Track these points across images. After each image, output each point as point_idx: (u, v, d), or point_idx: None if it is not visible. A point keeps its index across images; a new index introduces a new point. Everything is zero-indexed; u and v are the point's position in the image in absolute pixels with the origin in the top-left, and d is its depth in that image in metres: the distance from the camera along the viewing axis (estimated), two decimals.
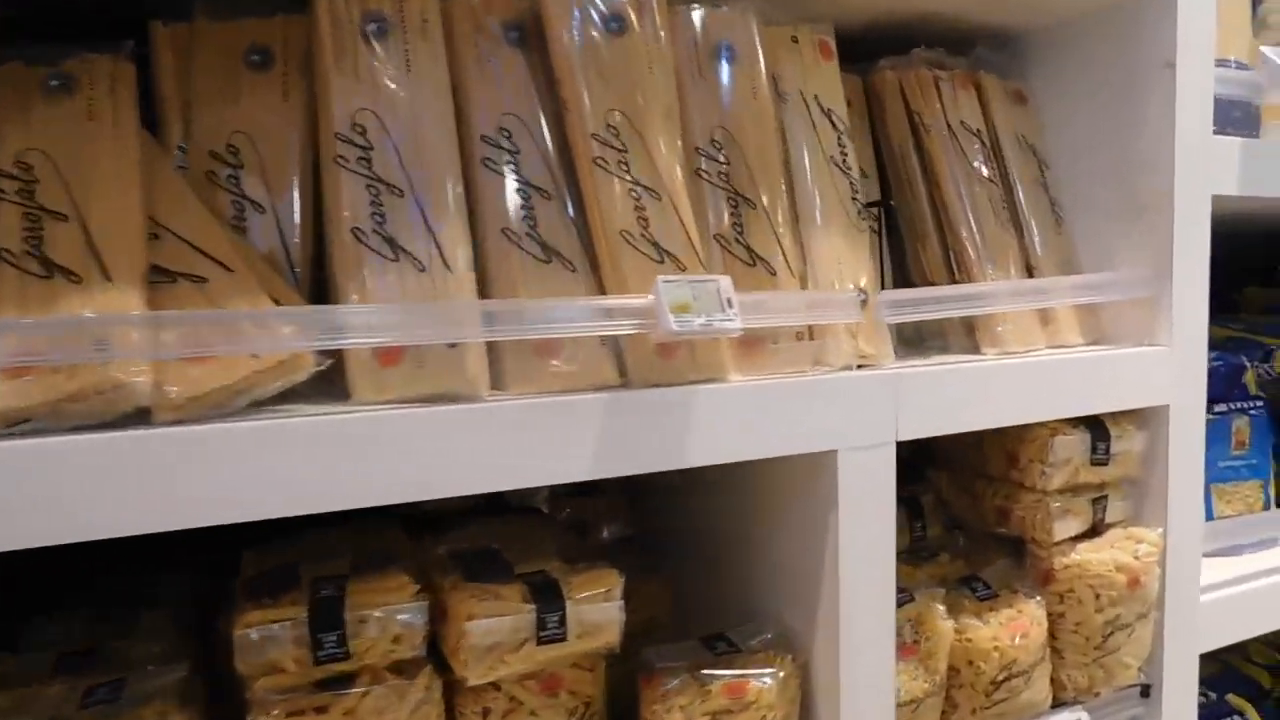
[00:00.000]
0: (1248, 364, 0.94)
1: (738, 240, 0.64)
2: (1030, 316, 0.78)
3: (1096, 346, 0.81)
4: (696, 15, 0.65)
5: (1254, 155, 0.80)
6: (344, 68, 0.57)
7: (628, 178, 0.58)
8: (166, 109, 0.62)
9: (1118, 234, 0.82)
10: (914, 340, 0.83)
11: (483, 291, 0.58)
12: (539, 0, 0.57)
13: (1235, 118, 0.82)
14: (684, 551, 0.84)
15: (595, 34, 0.58)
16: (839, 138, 0.71)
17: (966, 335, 0.78)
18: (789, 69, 0.70)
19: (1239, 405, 0.92)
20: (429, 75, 0.57)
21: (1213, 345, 0.97)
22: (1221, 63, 0.80)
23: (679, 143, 0.61)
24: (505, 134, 0.59)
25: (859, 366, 0.66)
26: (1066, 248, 0.85)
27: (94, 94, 0.54)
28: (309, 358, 0.52)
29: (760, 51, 0.66)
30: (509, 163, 0.58)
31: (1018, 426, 0.73)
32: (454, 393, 0.54)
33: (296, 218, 0.61)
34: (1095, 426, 0.78)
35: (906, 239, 0.83)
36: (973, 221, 0.77)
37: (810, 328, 0.65)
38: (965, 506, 0.85)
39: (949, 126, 0.79)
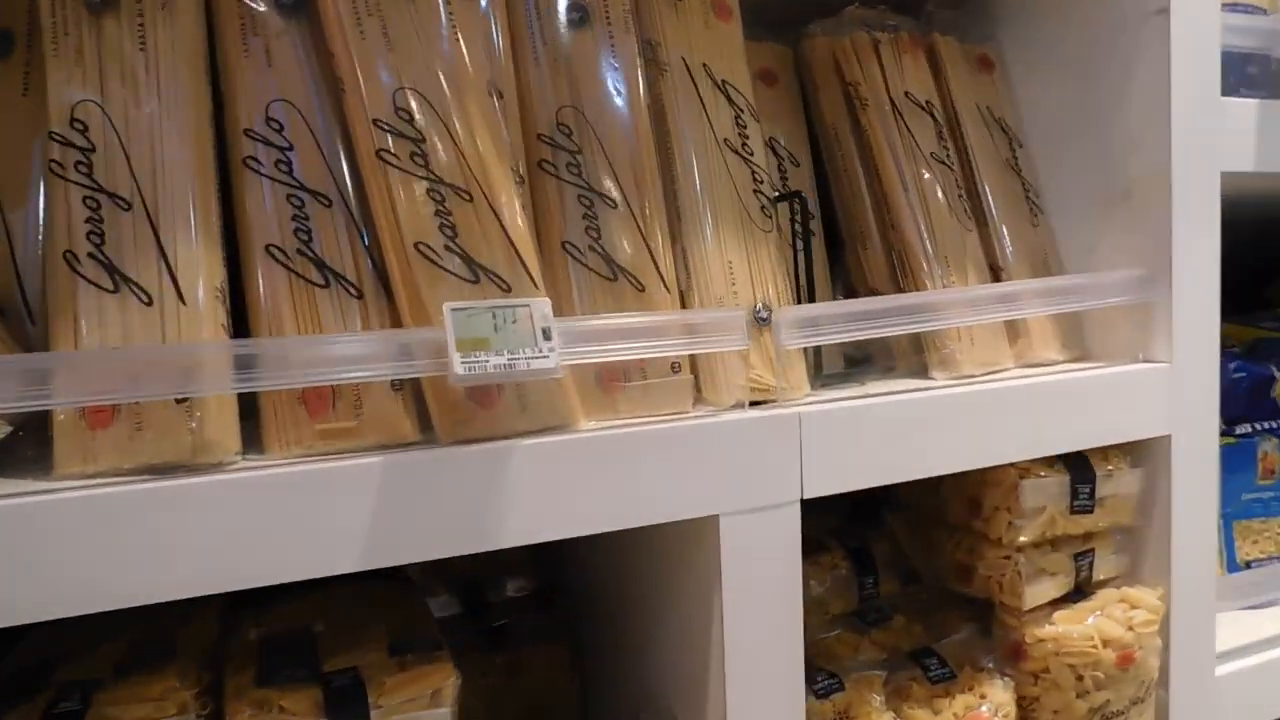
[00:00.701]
0: (1277, 373, 0.78)
1: (593, 249, 0.51)
2: (993, 330, 0.63)
3: (1079, 364, 0.66)
4: None
5: (1275, 120, 0.65)
6: (63, 49, 0.45)
7: (424, 174, 0.45)
8: None
9: (1104, 224, 0.67)
10: (860, 359, 0.69)
11: (246, 324, 0.45)
12: None
13: (1250, 75, 0.66)
14: (592, 611, 0.71)
15: None
16: (738, 116, 0.57)
17: (916, 354, 0.64)
18: (671, 33, 0.56)
19: (1267, 425, 0.76)
20: (171, 56, 0.45)
21: (1236, 350, 0.81)
22: (1231, 6, 0.65)
23: (502, 128, 0.48)
24: (275, 126, 0.46)
25: (757, 403, 0.53)
26: (1044, 242, 0.70)
27: None
28: None
29: (625, 10, 0.53)
30: (279, 161, 0.46)
31: None
32: (184, 460, 0.42)
33: (39, 239, 0.49)
34: (1077, 465, 0.63)
35: (846, 237, 0.69)
36: (919, 214, 0.63)
37: (692, 357, 0.52)
38: (923, 559, 0.71)
39: (891, 99, 0.65)
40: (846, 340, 0.52)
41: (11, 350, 0.46)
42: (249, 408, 0.44)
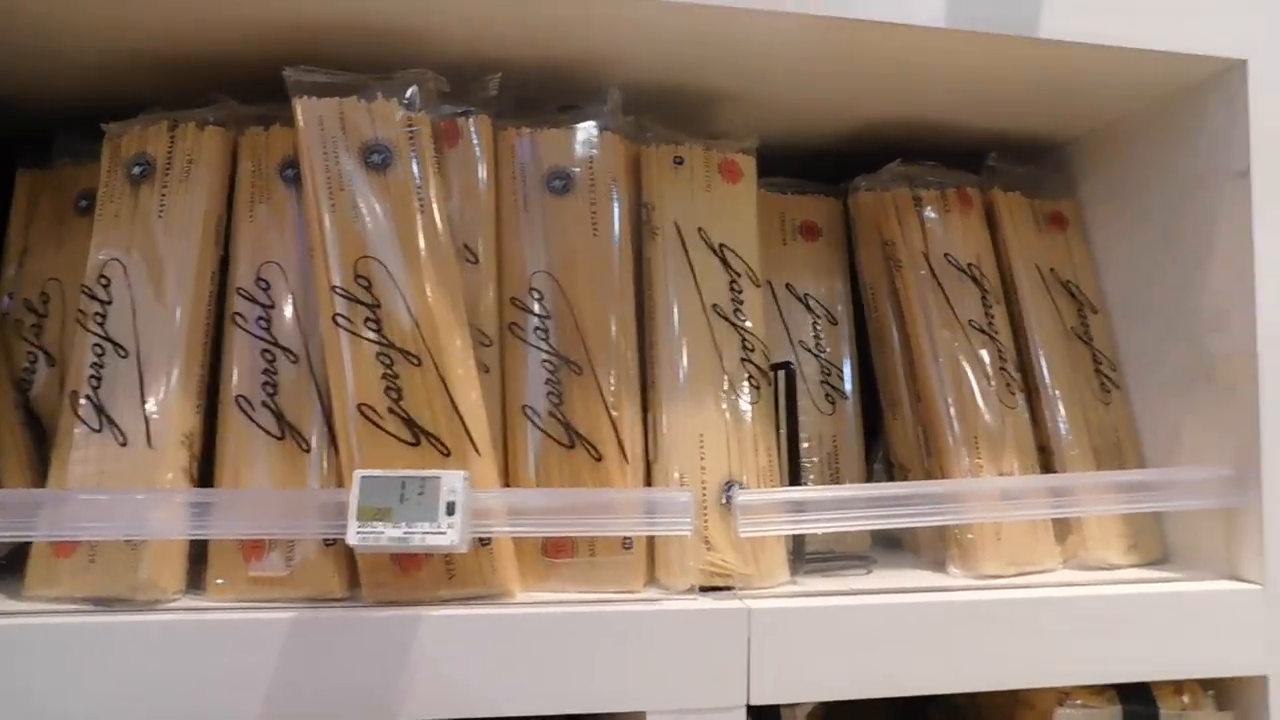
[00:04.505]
0: None
1: (553, 414, 0.51)
2: (1030, 525, 0.55)
3: (1148, 573, 0.56)
4: (525, 138, 0.53)
5: None
6: (106, 212, 0.52)
7: (376, 338, 0.47)
8: (8, 255, 0.61)
9: (1189, 406, 0.57)
10: (892, 541, 0.63)
11: (210, 471, 0.49)
12: (296, 131, 0.49)
13: None
14: None
15: (348, 169, 0.48)
16: (733, 281, 0.55)
17: (941, 544, 0.57)
18: (669, 196, 0.56)
19: None
20: (185, 220, 0.50)
21: None
22: None
23: (462, 292, 0.49)
24: (263, 285, 0.50)
25: (715, 589, 0.49)
26: (1117, 421, 0.61)
27: None
28: None
29: (611, 178, 0.53)
30: (259, 318, 0.50)
31: None
32: (125, 595, 0.45)
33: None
34: (1135, 697, 0.52)
35: (883, 404, 0.64)
36: (948, 387, 0.57)
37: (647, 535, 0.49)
38: None
39: (928, 261, 0.60)
40: (797, 531, 0.47)
41: (32, 474, 0.52)
42: (203, 548, 0.47)
